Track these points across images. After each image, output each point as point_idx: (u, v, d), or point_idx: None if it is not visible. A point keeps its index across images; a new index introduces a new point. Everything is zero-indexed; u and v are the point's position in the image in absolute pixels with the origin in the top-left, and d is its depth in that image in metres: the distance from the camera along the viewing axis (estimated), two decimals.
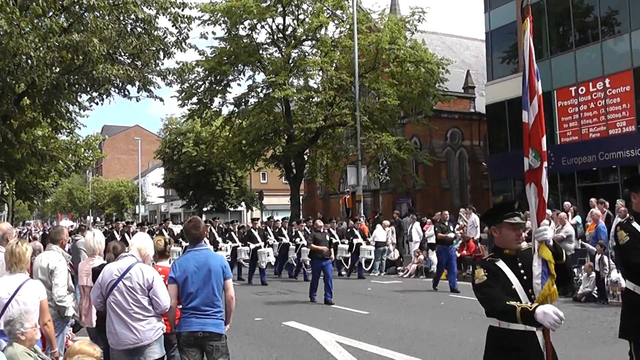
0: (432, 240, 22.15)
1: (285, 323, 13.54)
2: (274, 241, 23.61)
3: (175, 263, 6.75)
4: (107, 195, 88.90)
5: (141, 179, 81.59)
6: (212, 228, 23.24)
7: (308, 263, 21.42)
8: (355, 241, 23.77)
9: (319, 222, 18.03)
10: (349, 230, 25.03)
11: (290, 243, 23.42)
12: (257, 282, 21.37)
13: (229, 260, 20.50)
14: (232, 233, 23.84)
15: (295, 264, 23.71)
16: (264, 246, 22.46)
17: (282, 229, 24.47)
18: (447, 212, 20.72)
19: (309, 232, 21.39)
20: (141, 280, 6.33)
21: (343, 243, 23.18)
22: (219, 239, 23.41)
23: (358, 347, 10.84)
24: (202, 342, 6.52)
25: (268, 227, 24.54)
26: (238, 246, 22.91)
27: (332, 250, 18.91)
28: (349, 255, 23.40)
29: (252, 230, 23.13)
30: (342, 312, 14.61)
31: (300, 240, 22.81)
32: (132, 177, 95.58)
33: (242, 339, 11.42)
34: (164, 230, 25.60)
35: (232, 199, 56.71)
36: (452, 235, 19.89)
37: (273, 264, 23.72)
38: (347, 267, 23.76)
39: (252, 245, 22.16)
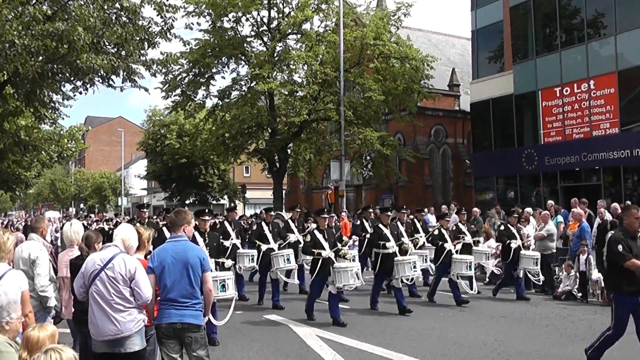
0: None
1: (266, 316, 13.58)
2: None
3: (154, 253, 6.76)
4: (89, 187, 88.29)
5: (124, 170, 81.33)
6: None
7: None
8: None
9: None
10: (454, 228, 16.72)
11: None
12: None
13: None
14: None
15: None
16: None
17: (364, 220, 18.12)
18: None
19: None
20: (123, 270, 6.27)
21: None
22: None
23: (338, 341, 10.87)
24: (181, 334, 6.55)
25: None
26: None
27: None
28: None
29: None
30: (322, 306, 14.63)
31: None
32: (114, 168, 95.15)
33: (222, 332, 11.39)
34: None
35: (215, 192, 56.67)
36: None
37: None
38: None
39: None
